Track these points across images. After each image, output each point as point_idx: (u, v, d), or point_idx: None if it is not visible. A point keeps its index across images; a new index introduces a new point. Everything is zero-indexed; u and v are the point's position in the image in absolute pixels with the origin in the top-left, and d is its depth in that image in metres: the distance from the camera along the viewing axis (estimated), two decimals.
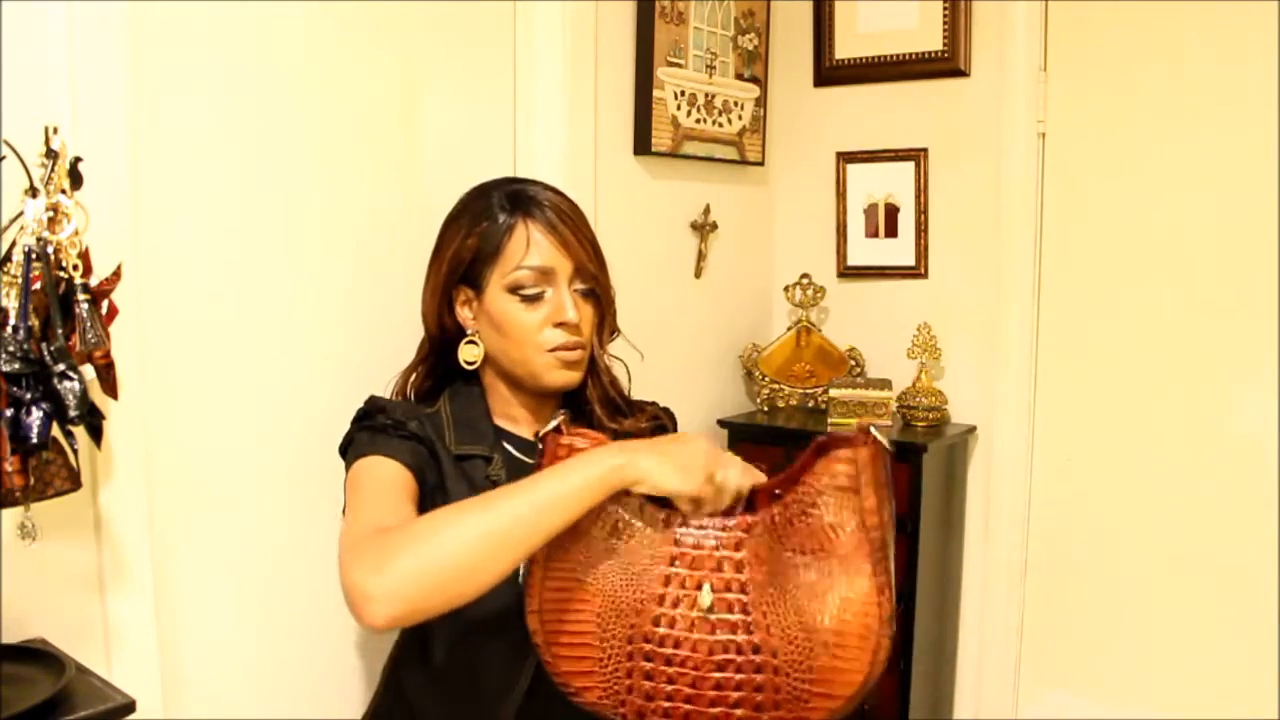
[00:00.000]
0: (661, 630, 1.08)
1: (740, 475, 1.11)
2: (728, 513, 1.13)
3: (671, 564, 1.09)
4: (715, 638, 1.08)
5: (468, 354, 1.36)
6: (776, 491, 1.15)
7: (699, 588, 1.08)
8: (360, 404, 1.46)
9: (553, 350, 1.31)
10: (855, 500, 1.08)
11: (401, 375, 1.43)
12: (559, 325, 1.30)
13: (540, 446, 1.14)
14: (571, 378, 1.33)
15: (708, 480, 1.09)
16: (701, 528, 1.10)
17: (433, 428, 1.30)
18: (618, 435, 1.39)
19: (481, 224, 1.32)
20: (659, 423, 1.46)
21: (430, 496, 1.25)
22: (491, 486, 1.27)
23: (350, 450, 1.29)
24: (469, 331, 1.36)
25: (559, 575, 1.11)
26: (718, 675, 1.08)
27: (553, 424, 1.14)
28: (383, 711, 1.37)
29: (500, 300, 1.31)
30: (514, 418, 1.38)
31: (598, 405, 1.39)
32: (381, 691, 1.39)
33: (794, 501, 1.10)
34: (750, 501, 1.14)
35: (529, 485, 1.08)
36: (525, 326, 1.31)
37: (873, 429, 1.10)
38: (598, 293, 1.35)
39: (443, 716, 1.29)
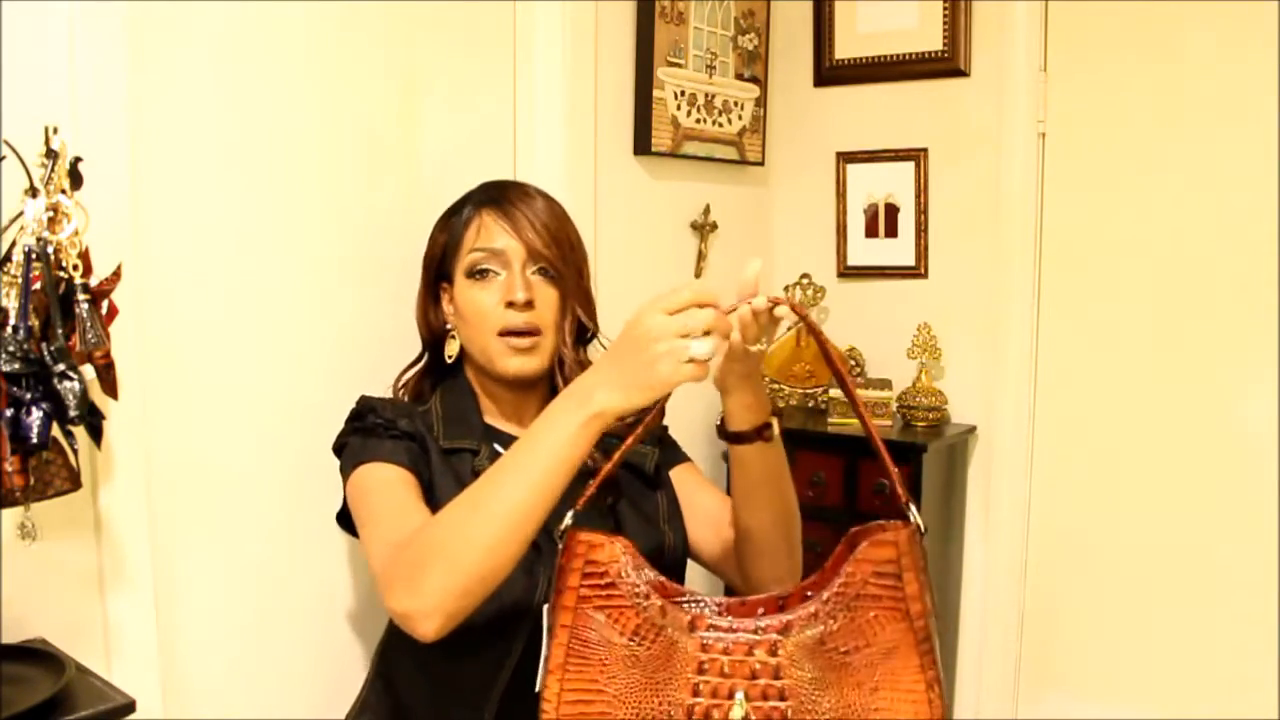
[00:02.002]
0: None
1: (703, 336, 0.98)
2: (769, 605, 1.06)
3: (700, 671, 0.98)
4: None
5: (449, 348, 1.39)
6: (808, 593, 1.06)
7: (730, 696, 0.98)
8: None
9: (504, 334, 1.31)
10: (898, 587, 1.01)
11: (397, 381, 1.45)
12: (510, 305, 1.31)
13: (560, 545, 1.05)
14: (525, 365, 1.32)
15: (675, 367, 0.98)
16: (731, 630, 0.99)
17: (423, 424, 1.31)
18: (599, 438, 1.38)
19: (451, 220, 1.39)
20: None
21: (425, 493, 1.26)
22: (474, 479, 1.27)
23: (345, 455, 1.29)
24: (449, 327, 1.39)
25: (578, 687, 1.01)
26: None
27: (568, 521, 1.05)
28: (372, 700, 1.38)
29: (461, 287, 1.35)
30: (501, 414, 1.39)
31: None
32: (371, 680, 1.40)
33: (836, 596, 1.00)
34: (781, 603, 1.06)
35: (517, 467, 1.04)
36: (480, 308, 1.32)
37: (911, 511, 1.04)
38: (557, 277, 1.34)
39: (428, 710, 1.30)
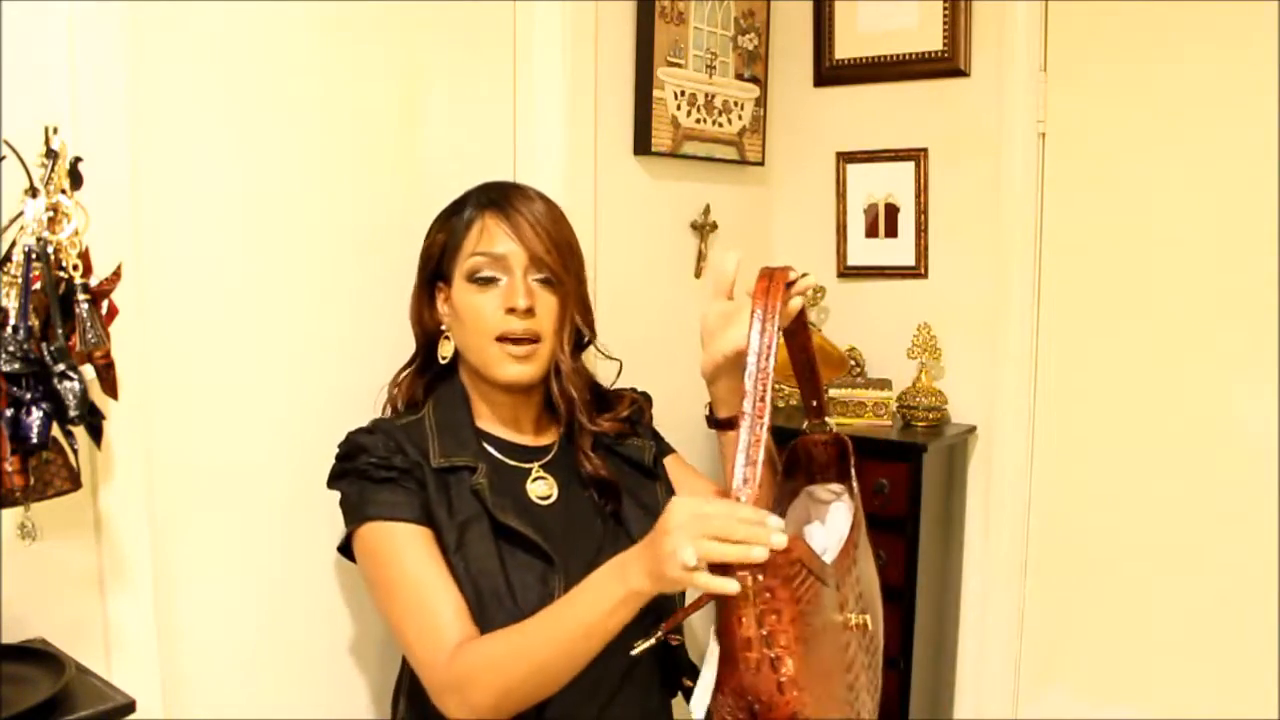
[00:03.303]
0: (852, 675, 1.07)
1: (687, 533, 0.96)
2: None
3: (847, 608, 1.07)
4: (869, 652, 1.10)
5: (443, 349, 1.38)
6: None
7: (863, 612, 1.10)
8: (360, 402, 1.46)
9: (501, 340, 1.31)
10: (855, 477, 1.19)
11: (392, 382, 1.45)
12: (510, 312, 1.30)
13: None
14: (521, 373, 1.32)
15: (664, 561, 0.98)
16: (839, 562, 1.09)
17: (416, 445, 1.30)
18: (596, 437, 1.39)
19: (451, 220, 1.38)
20: (636, 406, 1.46)
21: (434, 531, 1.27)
22: (475, 498, 1.27)
23: (344, 502, 1.29)
24: (443, 327, 1.38)
25: (811, 684, 0.97)
26: (867, 682, 1.11)
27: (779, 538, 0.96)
28: None
29: (460, 290, 1.34)
30: (497, 417, 1.38)
31: (563, 406, 1.37)
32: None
33: (858, 510, 1.15)
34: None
35: (561, 626, 1.11)
36: (478, 312, 1.32)
37: (829, 422, 1.23)
38: (558, 285, 1.34)
39: None
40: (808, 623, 0.96)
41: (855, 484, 1.21)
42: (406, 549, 1.23)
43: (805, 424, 1.27)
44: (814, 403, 1.25)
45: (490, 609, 1.21)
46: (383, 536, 1.24)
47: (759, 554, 0.92)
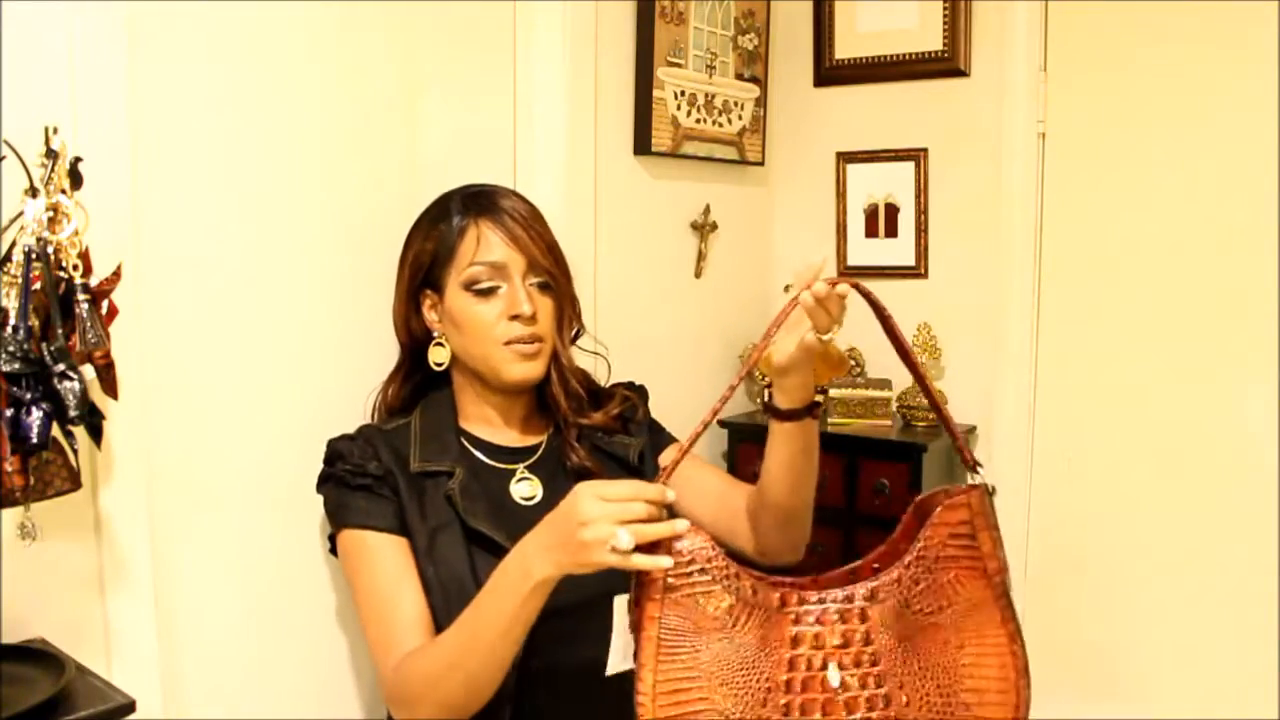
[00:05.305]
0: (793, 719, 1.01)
1: (609, 520, 1.01)
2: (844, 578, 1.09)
3: (794, 646, 1.02)
4: (852, 718, 1.01)
5: (436, 356, 1.40)
6: (875, 566, 1.10)
7: (824, 667, 1.02)
8: (359, 402, 1.47)
9: (509, 343, 1.33)
10: (973, 546, 1.06)
11: (380, 389, 1.46)
12: (514, 318, 1.33)
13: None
14: (531, 370, 1.35)
15: (601, 553, 1.02)
16: (820, 602, 1.03)
17: (396, 450, 1.32)
18: (583, 430, 1.42)
19: (438, 227, 1.38)
20: (629, 404, 1.48)
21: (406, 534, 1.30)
22: (447, 503, 1.30)
23: (326, 507, 1.34)
24: (435, 334, 1.39)
25: (671, 677, 1.00)
26: None
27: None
28: None
29: (458, 298, 1.35)
30: (486, 419, 1.40)
31: (563, 400, 1.41)
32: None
33: (916, 560, 1.05)
34: (854, 573, 1.10)
35: (477, 631, 1.14)
36: (481, 321, 1.33)
37: (979, 472, 1.11)
38: (554, 286, 1.37)
39: None
40: (681, 615, 1.01)
41: (917, 552, 1.09)
42: (376, 559, 1.27)
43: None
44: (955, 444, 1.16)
45: (458, 612, 1.22)
46: (356, 545, 1.29)
47: (682, 525, 1.01)
